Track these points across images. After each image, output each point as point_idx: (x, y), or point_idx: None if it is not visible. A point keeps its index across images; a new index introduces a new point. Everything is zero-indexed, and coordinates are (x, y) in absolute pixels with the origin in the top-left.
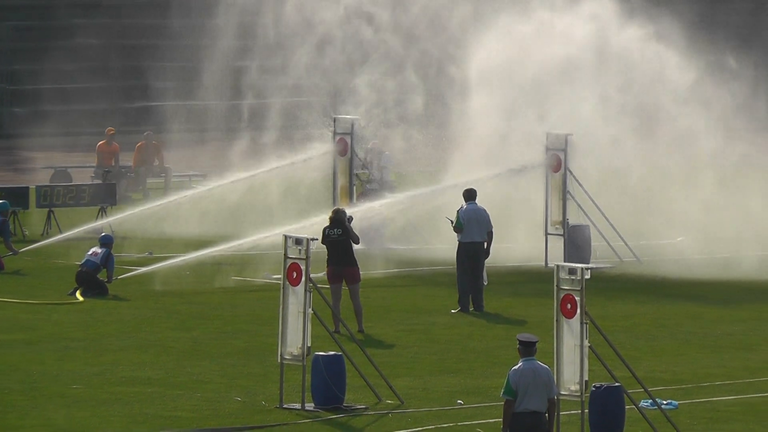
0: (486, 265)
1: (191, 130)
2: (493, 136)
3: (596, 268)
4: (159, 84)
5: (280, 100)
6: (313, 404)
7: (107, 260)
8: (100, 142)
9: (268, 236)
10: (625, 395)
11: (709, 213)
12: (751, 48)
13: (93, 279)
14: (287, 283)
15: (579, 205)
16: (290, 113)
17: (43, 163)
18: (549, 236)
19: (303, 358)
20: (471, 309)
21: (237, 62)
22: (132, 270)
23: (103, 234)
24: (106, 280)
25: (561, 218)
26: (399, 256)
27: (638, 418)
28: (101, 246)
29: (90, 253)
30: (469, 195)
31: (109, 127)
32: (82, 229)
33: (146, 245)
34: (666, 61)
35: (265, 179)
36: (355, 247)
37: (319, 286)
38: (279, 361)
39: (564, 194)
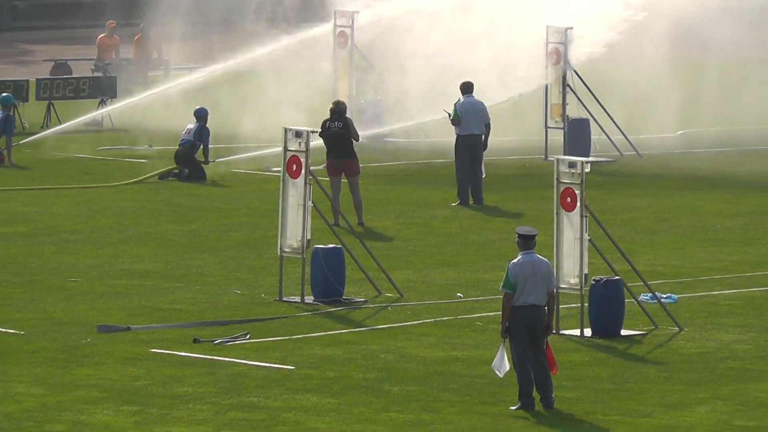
0: (485, 157)
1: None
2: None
3: (596, 161)
4: None
5: None
6: (312, 297)
7: (201, 134)
8: (101, 35)
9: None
10: (624, 289)
11: (708, 106)
12: None
13: (190, 158)
14: (287, 175)
15: (579, 99)
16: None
17: (43, 56)
18: (549, 129)
19: (302, 251)
20: (470, 202)
21: None
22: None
23: (198, 107)
24: (202, 160)
25: (561, 112)
26: (398, 149)
27: (638, 312)
28: (196, 121)
29: (184, 131)
30: (466, 88)
31: (110, 20)
32: (80, 120)
33: (147, 138)
34: None
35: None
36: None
37: (318, 178)
38: (278, 253)
39: (564, 88)
